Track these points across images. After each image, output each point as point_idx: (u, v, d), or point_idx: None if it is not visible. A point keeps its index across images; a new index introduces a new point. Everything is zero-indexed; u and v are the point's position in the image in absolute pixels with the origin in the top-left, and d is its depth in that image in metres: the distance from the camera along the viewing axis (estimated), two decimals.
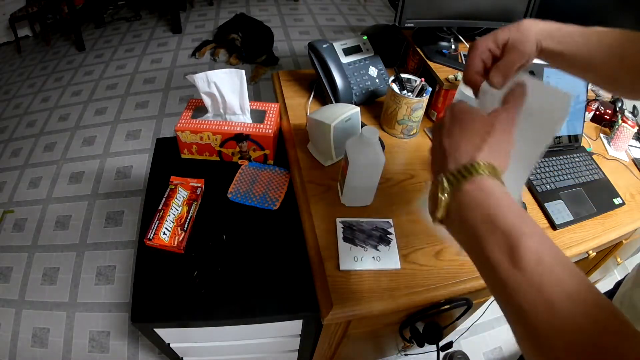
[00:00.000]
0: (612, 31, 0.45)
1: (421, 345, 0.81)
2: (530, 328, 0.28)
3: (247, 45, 2.76)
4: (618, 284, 0.64)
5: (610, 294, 0.61)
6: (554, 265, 0.28)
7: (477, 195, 0.33)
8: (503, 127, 0.37)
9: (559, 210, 0.83)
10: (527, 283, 0.28)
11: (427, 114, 1.05)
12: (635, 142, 1.08)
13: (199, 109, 0.95)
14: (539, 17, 0.46)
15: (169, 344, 0.82)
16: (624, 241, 0.98)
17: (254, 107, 0.95)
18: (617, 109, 1.13)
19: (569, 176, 0.91)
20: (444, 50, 1.06)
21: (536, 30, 0.44)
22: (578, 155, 0.98)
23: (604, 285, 1.64)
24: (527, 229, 0.30)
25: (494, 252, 0.30)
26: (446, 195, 0.35)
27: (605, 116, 1.13)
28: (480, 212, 0.32)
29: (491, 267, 0.30)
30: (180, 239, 0.76)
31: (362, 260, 0.70)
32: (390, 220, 0.76)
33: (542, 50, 0.46)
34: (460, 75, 0.98)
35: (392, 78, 0.92)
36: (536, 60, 0.50)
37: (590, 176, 0.93)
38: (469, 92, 0.48)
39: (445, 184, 0.35)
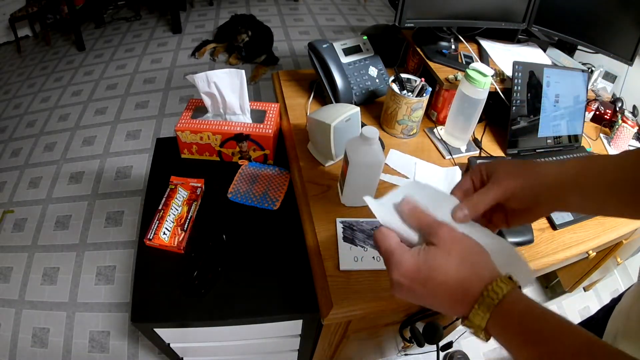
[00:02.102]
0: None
1: (421, 345, 0.81)
2: None
3: (247, 45, 2.76)
4: (614, 300, 0.63)
5: (609, 308, 0.60)
6: None
7: (506, 324, 0.33)
8: (465, 241, 0.37)
9: None
10: None
11: (427, 114, 1.05)
12: (635, 142, 1.08)
13: (199, 109, 0.95)
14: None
15: (169, 344, 0.82)
16: (624, 241, 0.98)
17: (254, 107, 0.95)
18: (617, 109, 1.13)
19: None
20: (444, 50, 1.06)
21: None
22: (578, 155, 0.98)
23: (606, 284, 1.64)
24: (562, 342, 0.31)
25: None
26: (482, 332, 0.35)
27: (605, 116, 1.13)
28: (515, 340, 0.33)
29: None
30: (180, 239, 0.76)
31: (362, 260, 0.70)
32: None
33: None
34: (460, 75, 0.98)
35: (392, 78, 0.92)
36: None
37: None
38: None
39: (476, 325, 0.34)
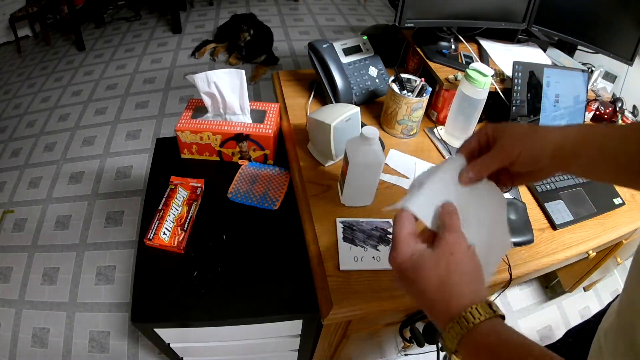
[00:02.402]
0: None
1: (421, 345, 0.81)
2: None
3: (248, 44, 2.76)
4: (600, 313, 0.62)
5: (603, 313, 0.59)
6: None
7: (478, 350, 0.33)
8: (461, 255, 0.36)
9: (559, 210, 0.83)
10: None
11: (427, 114, 1.05)
12: None
13: (199, 109, 0.95)
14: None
15: (169, 344, 0.82)
16: (624, 241, 0.98)
17: (254, 107, 0.95)
18: (617, 109, 1.13)
19: (568, 176, 0.91)
20: (444, 50, 1.06)
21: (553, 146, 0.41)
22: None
23: (606, 284, 1.64)
24: None
25: None
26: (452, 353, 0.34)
27: (605, 116, 1.12)
28: None
29: None
30: (180, 239, 0.76)
31: (362, 260, 0.70)
32: (390, 220, 0.76)
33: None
34: (460, 75, 0.98)
35: (392, 78, 0.92)
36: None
37: None
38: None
39: (448, 345, 0.34)
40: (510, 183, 0.46)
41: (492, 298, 0.39)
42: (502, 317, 0.34)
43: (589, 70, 1.07)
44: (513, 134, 0.42)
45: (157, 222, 0.77)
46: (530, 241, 0.76)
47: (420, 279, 0.36)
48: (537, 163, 0.41)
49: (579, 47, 1.17)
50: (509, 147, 0.41)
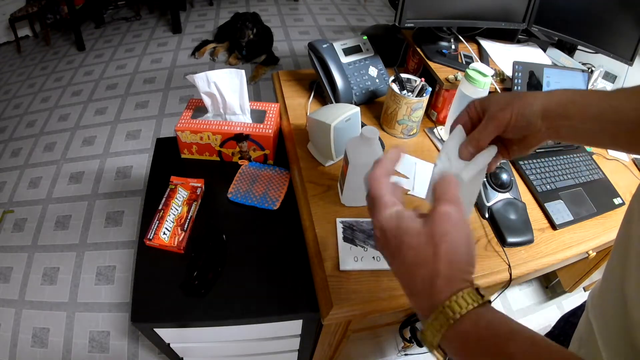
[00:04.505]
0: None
1: (421, 345, 0.81)
2: None
3: (249, 44, 2.76)
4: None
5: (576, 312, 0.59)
6: None
7: (463, 342, 0.30)
8: (455, 231, 0.33)
9: (559, 210, 0.83)
10: None
11: (427, 114, 1.05)
12: None
13: (199, 109, 0.95)
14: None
15: (169, 344, 0.82)
16: None
17: (254, 107, 0.95)
18: None
19: (569, 176, 0.91)
20: (444, 50, 1.06)
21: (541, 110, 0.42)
22: (578, 155, 0.98)
23: None
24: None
25: None
26: (436, 348, 0.31)
27: None
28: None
29: None
30: (180, 239, 0.76)
31: (362, 260, 0.70)
32: None
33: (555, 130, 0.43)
34: (460, 75, 0.98)
35: (392, 78, 0.92)
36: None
37: (590, 176, 0.93)
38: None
39: (429, 338, 0.31)
40: (507, 155, 0.47)
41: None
42: (489, 302, 0.31)
43: (589, 70, 1.07)
44: (500, 101, 0.43)
45: (157, 222, 0.77)
46: (530, 241, 0.77)
47: (403, 246, 0.33)
48: (529, 126, 0.42)
49: (579, 47, 1.17)
50: (499, 113, 0.42)
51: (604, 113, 0.40)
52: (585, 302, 0.65)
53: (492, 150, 0.45)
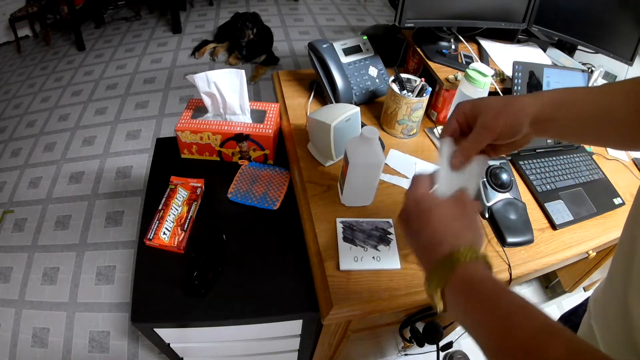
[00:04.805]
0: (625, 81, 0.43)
1: (421, 345, 0.81)
2: None
3: (249, 44, 2.75)
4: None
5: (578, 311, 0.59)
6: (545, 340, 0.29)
7: (464, 287, 0.35)
8: (469, 209, 0.41)
9: (559, 210, 0.83)
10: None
11: (427, 114, 1.05)
12: None
13: (199, 109, 0.95)
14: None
15: (169, 344, 0.82)
16: None
17: (254, 107, 0.95)
18: None
19: (569, 176, 0.91)
20: (444, 50, 1.06)
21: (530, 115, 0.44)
22: (578, 155, 0.98)
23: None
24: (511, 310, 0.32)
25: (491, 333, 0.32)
26: (439, 294, 0.36)
27: None
28: (470, 303, 0.34)
29: (487, 342, 0.32)
30: (180, 239, 0.76)
31: (362, 260, 0.70)
32: (390, 220, 0.76)
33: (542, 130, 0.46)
34: (460, 75, 0.98)
35: (392, 78, 0.92)
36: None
37: (590, 176, 0.93)
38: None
39: (435, 283, 0.36)
40: (494, 153, 0.48)
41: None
42: (490, 268, 0.37)
43: (589, 70, 1.07)
44: (491, 109, 0.43)
45: (157, 222, 0.77)
46: (530, 241, 0.77)
47: (434, 216, 0.39)
48: (518, 133, 0.43)
49: (579, 47, 1.17)
50: (491, 123, 0.43)
51: (588, 110, 0.42)
52: (585, 301, 0.66)
53: (483, 164, 0.46)
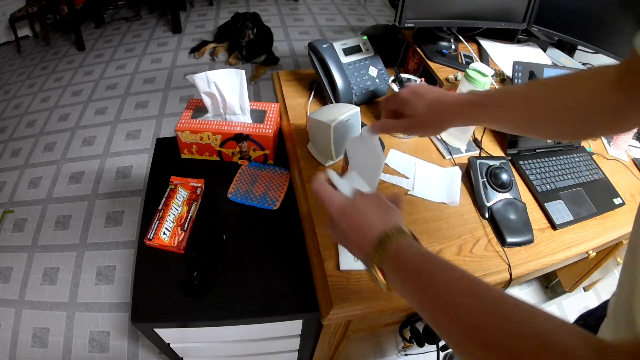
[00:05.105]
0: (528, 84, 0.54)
1: (421, 345, 0.81)
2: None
3: (249, 44, 2.75)
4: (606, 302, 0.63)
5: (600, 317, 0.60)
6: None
7: (400, 262, 0.40)
8: (379, 199, 0.47)
9: (559, 210, 0.83)
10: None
11: None
12: (635, 142, 1.08)
13: (199, 109, 0.95)
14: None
15: (169, 344, 0.82)
16: (624, 241, 0.98)
17: (254, 107, 0.95)
18: None
19: (569, 176, 0.91)
20: (444, 50, 1.06)
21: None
22: (578, 155, 0.98)
23: (606, 284, 1.64)
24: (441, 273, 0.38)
25: (432, 300, 0.37)
26: (380, 276, 0.42)
27: None
28: (407, 275, 0.40)
29: (429, 309, 0.38)
30: (180, 239, 0.76)
31: None
32: None
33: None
34: (460, 75, 0.98)
35: (392, 78, 0.92)
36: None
37: (590, 176, 0.93)
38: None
39: (375, 269, 0.42)
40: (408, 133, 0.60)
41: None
42: (418, 241, 0.43)
43: None
44: (425, 108, 0.54)
45: (157, 222, 0.77)
46: (530, 241, 0.77)
47: (356, 214, 0.45)
48: (444, 127, 0.56)
49: (579, 47, 1.17)
50: (421, 118, 0.55)
51: (524, 101, 0.50)
52: (604, 303, 0.66)
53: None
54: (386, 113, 0.60)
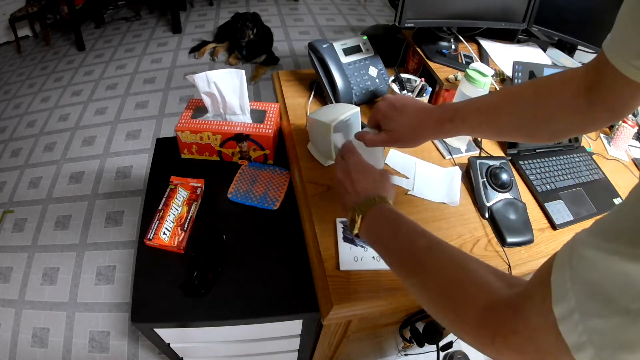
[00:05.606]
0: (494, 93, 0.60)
1: (421, 345, 0.81)
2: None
3: (249, 44, 2.75)
4: None
5: None
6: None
7: (378, 217, 0.52)
8: (384, 175, 0.58)
9: (559, 210, 0.83)
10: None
11: None
12: (635, 142, 1.08)
13: (199, 109, 0.95)
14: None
15: (169, 344, 0.82)
16: None
17: (254, 107, 0.95)
18: None
19: (569, 176, 0.91)
20: (444, 50, 1.06)
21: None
22: (578, 155, 0.98)
23: None
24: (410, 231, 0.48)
25: (398, 251, 0.47)
26: (359, 218, 0.52)
27: None
28: (382, 227, 0.51)
29: (395, 261, 0.48)
30: (180, 239, 0.76)
31: (362, 260, 0.70)
32: None
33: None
34: (460, 75, 0.98)
35: (392, 78, 0.92)
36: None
37: (590, 176, 0.93)
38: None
39: (359, 211, 0.53)
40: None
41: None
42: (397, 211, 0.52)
43: None
44: (406, 128, 0.60)
45: (157, 222, 0.77)
46: (530, 241, 0.77)
47: (364, 170, 0.58)
48: (420, 142, 0.62)
49: (579, 47, 1.17)
50: (400, 138, 0.61)
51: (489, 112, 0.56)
52: None
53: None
54: (370, 123, 0.66)
